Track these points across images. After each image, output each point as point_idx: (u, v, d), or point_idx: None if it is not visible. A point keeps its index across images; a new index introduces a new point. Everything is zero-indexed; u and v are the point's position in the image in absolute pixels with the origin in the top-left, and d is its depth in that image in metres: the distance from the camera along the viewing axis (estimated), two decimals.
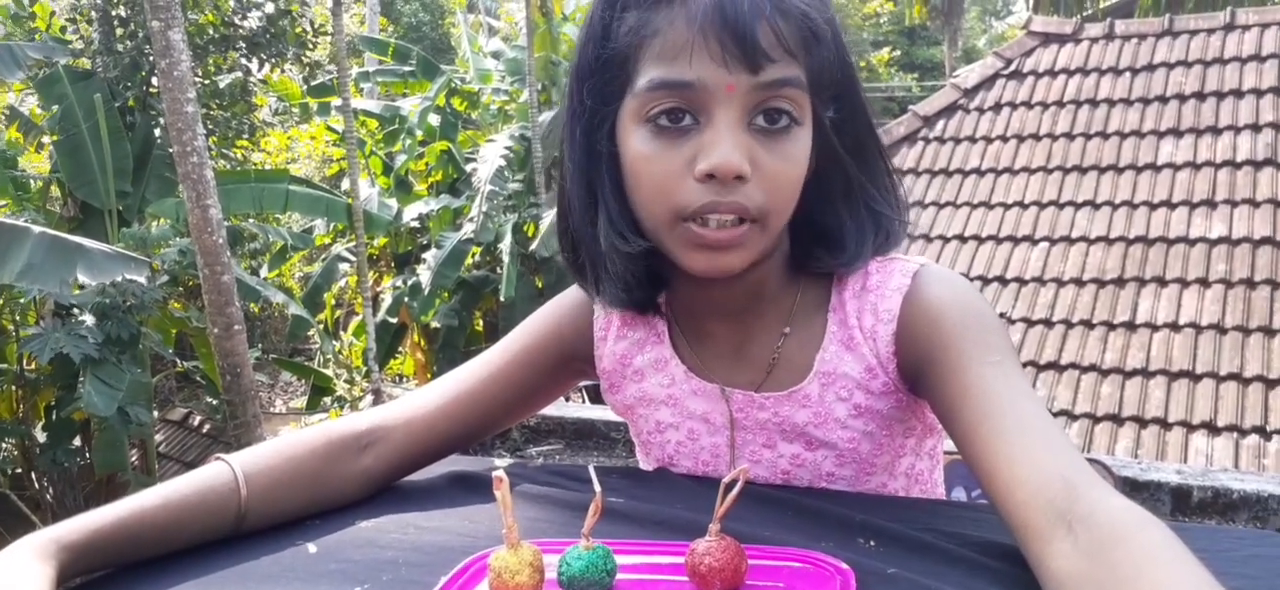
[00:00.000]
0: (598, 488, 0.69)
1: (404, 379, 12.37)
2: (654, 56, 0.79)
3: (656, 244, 0.84)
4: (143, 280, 6.86)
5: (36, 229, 6.17)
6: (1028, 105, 6.06)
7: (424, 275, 10.39)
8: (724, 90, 0.77)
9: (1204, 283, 4.88)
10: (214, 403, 9.08)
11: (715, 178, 0.77)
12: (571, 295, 1.03)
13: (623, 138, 0.83)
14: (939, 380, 0.82)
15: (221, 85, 10.18)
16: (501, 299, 9.93)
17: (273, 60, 10.46)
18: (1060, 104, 5.97)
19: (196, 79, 8.43)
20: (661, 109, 0.79)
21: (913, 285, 0.87)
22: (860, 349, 0.89)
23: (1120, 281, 5.05)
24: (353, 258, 11.08)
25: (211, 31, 9.88)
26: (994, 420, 0.75)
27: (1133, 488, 2.34)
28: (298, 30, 10.36)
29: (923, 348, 0.85)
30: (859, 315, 0.89)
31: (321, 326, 11.75)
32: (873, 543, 0.76)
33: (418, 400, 0.97)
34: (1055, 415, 4.05)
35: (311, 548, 0.82)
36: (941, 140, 6.11)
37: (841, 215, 0.88)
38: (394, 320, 11.35)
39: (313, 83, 11.79)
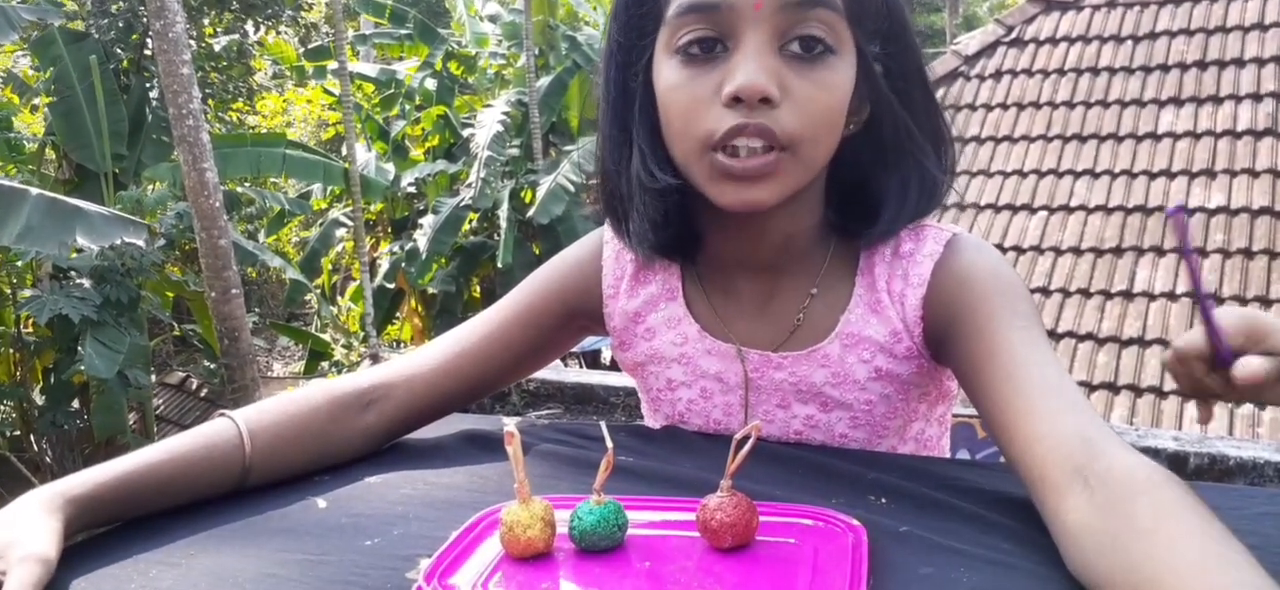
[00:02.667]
0: (609, 444, 0.69)
1: (401, 344, 12.39)
2: None
3: (688, 180, 0.83)
4: (141, 243, 6.85)
5: (35, 191, 6.15)
6: (1028, 73, 6.03)
7: (421, 241, 10.38)
8: (752, 10, 0.76)
9: (1202, 252, 4.88)
10: (211, 366, 9.09)
11: (742, 101, 0.76)
12: (578, 251, 1.02)
13: (656, 72, 0.83)
14: (964, 341, 0.82)
15: (217, 48, 10.10)
16: (499, 265, 9.92)
17: (268, 22, 10.38)
18: (1061, 72, 5.94)
19: (192, 41, 8.36)
20: (692, 38, 0.79)
21: (945, 252, 0.87)
22: (886, 312, 0.88)
23: (1119, 250, 5.06)
24: (350, 222, 11.06)
25: None
26: (1016, 380, 0.75)
27: None
28: None
29: (951, 312, 0.85)
30: (888, 280, 0.88)
31: (319, 291, 11.75)
32: (884, 500, 0.76)
33: (419, 358, 0.98)
34: None
35: (321, 503, 0.82)
36: (941, 108, 6.08)
37: (886, 177, 0.86)
38: (391, 285, 11.35)
39: (309, 45, 11.72)
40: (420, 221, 11.00)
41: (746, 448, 0.68)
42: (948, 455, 1.03)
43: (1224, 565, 0.53)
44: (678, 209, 0.87)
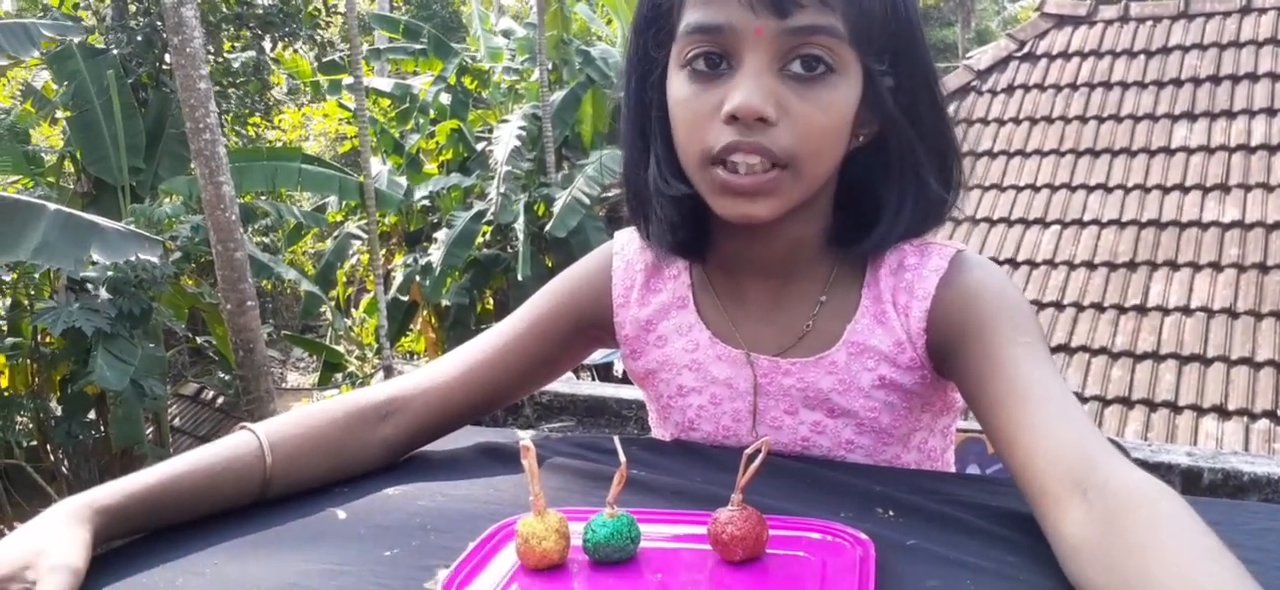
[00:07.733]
0: (623, 458, 0.71)
1: (415, 356, 12.43)
2: (694, 2, 0.82)
3: (694, 188, 0.87)
4: (155, 259, 6.90)
5: (52, 207, 6.21)
6: (1041, 88, 6.02)
7: (435, 254, 10.42)
8: (752, 33, 0.79)
9: (1216, 267, 4.86)
10: (226, 378, 9.15)
11: (738, 120, 0.79)
12: (588, 262, 1.04)
13: (669, 84, 0.86)
14: (969, 359, 0.84)
15: (236, 64, 10.20)
16: (519, 277, 9.93)
17: (285, 38, 10.47)
18: (1074, 86, 5.93)
19: (210, 57, 8.44)
20: (698, 53, 0.82)
21: (950, 268, 0.89)
22: (891, 324, 0.90)
23: (1132, 265, 5.04)
24: (364, 235, 11.12)
25: (224, 9, 9.89)
26: (1019, 396, 0.77)
27: (1143, 469, 2.34)
28: (311, 9, 10.36)
29: (955, 328, 0.87)
30: (893, 292, 0.91)
31: (333, 303, 11.81)
32: (892, 513, 0.78)
33: (435, 371, 1.00)
34: None
35: (341, 513, 0.83)
36: (954, 122, 6.08)
37: (886, 191, 0.89)
38: (405, 298, 11.39)
39: (324, 60, 11.80)
40: (434, 235, 11.05)
41: (757, 462, 0.70)
42: (952, 467, 1.04)
43: (1216, 583, 0.54)
44: (692, 213, 0.90)
